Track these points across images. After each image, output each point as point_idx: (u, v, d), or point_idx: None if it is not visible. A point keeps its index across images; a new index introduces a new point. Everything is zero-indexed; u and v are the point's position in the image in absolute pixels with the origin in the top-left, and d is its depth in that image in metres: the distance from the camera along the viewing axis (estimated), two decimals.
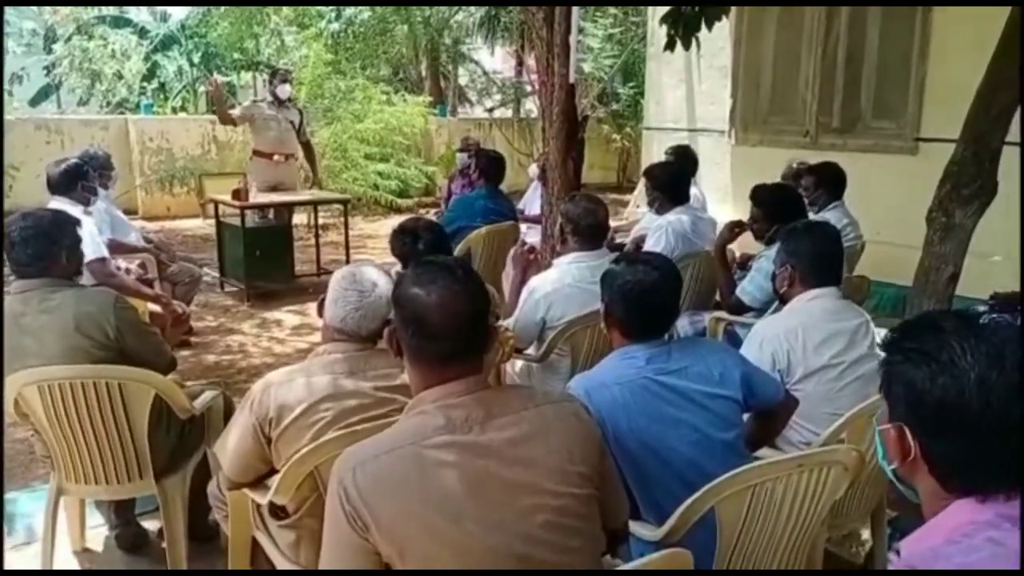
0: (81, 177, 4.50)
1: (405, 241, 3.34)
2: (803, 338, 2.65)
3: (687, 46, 4.51)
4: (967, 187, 3.68)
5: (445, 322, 1.55)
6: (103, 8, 16.37)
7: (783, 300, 2.88)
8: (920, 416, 1.17)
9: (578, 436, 1.60)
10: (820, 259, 2.77)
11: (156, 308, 4.24)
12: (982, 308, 4.19)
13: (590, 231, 3.36)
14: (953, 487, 1.16)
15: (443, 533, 1.44)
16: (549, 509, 1.51)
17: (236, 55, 13.89)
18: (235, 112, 7.23)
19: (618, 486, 1.76)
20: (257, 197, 6.60)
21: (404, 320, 1.60)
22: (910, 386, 1.17)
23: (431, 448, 1.48)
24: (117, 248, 5.05)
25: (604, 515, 1.65)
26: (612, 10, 12.54)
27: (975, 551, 1.08)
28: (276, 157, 7.08)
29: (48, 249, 2.76)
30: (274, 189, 7.01)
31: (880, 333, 2.94)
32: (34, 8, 17.05)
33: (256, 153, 7.13)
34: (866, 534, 3.05)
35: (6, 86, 12.68)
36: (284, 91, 7.09)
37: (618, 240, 5.36)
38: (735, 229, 3.97)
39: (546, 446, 1.55)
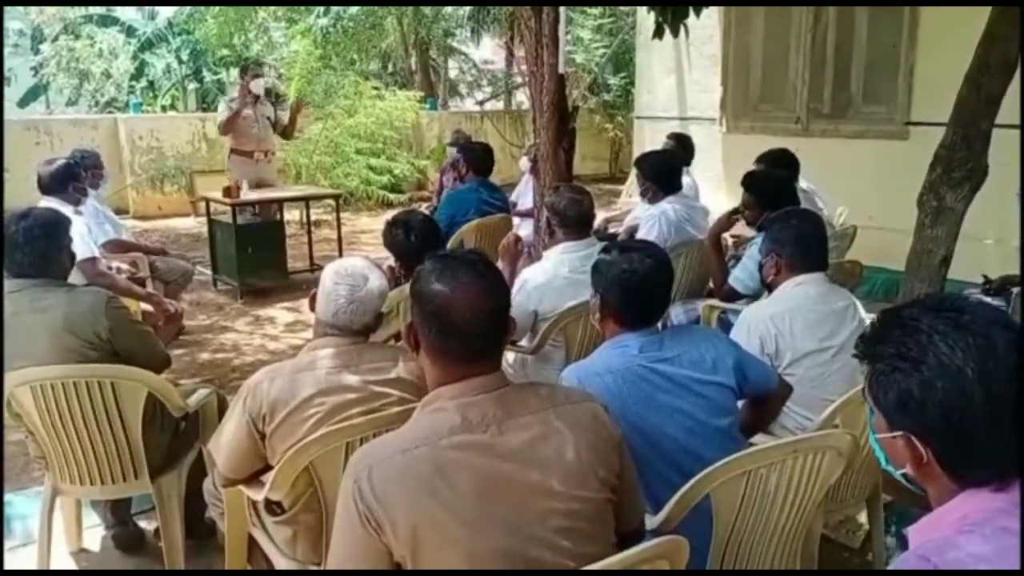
0: (73, 178, 4.49)
1: (398, 234, 3.34)
2: (790, 322, 2.66)
3: (675, 34, 4.50)
4: (957, 170, 3.68)
5: (470, 318, 1.52)
6: (90, 7, 16.29)
7: (770, 288, 2.89)
8: (926, 424, 1.13)
9: (597, 438, 1.57)
10: (804, 245, 2.78)
11: (148, 307, 4.22)
12: (975, 291, 4.22)
13: (576, 221, 3.38)
14: (970, 482, 1.13)
15: (457, 535, 1.42)
16: (563, 513, 1.49)
17: (224, 52, 13.83)
18: (224, 117, 7.00)
19: (636, 487, 1.74)
20: (248, 194, 6.57)
21: (426, 317, 1.56)
22: (907, 395, 1.13)
23: (447, 449, 1.46)
24: (119, 247, 5.03)
25: (620, 517, 1.64)
26: None
27: (988, 541, 1.05)
28: (256, 155, 7.04)
29: (51, 250, 2.75)
30: (256, 187, 6.96)
31: (872, 317, 2.95)
32: (20, 8, 16.96)
33: (235, 152, 7.08)
34: (862, 518, 3.06)
35: None
36: (258, 86, 6.99)
37: (611, 230, 5.35)
38: (732, 217, 3.95)
39: (564, 448, 1.52)
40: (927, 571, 1.06)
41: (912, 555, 1.11)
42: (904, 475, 1.21)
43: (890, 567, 1.15)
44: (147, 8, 17.32)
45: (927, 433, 1.13)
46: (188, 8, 14.66)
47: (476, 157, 5.82)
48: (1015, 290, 4.08)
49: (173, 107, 15.20)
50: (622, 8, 12.33)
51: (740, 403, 2.33)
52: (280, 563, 2.23)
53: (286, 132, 7.50)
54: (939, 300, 1.18)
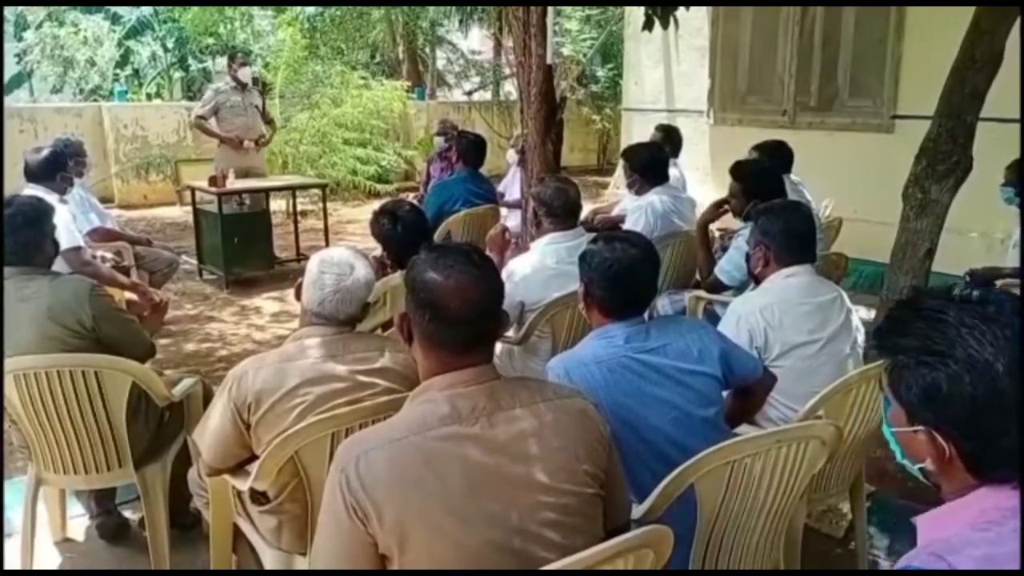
0: (60, 167, 4.45)
1: (385, 223, 3.33)
2: (779, 315, 2.67)
3: (665, 26, 4.51)
4: (942, 163, 3.71)
5: (464, 307, 1.52)
6: None
7: (757, 280, 2.89)
8: (951, 418, 1.10)
9: (586, 433, 1.58)
10: (793, 237, 2.77)
11: (133, 296, 4.20)
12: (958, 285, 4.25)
13: (563, 211, 3.37)
14: (991, 478, 1.10)
15: (444, 527, 1.42)
16: (552, 507, 1.50)
17: (210, 40, 13.72)
18: (205, 113, 6.98)
19: (623, 484, 1.74)
20: (234, 183, 6.53)
21: (419, 305, 1.55)
22: (933, 389, 1.10)
23: (436, 440, 1.45)
24: (104, 236, 4.99)
25: (608, 513, 1.64)
26: None
27: (1004, 541, 1.03)
28: (246, 144, 6.99)
29: (34, 238, 2.73)
30: (245, 176, 6.91)
31: (858, 309, 2.97)
32: None
33: (223, 140, 7.06)
34: (845, 508, 3.08)
35: None
36: (245, 74, 6.99)
37: (598, 219, 5.36)
38: (719, 208, 3.96)
39: (553, 443, 1.52)
40: (942, 571, 1.04)
41: (924, 553, 1.08)
42: (922, 470, 1.18)
43: (900, 563, 1.11)
44: None
45: (951, 428, 1.11)
46: None
47: (468, 148, 5.80)
48: (999, 283, 4.11)
49: (158, 95, 15.05)
50: None
51: (724, 393, 2.34)
52: (265, 552, 2.23)
53: (270, 120, 7.49)
54: (962, 291, 1.15)
